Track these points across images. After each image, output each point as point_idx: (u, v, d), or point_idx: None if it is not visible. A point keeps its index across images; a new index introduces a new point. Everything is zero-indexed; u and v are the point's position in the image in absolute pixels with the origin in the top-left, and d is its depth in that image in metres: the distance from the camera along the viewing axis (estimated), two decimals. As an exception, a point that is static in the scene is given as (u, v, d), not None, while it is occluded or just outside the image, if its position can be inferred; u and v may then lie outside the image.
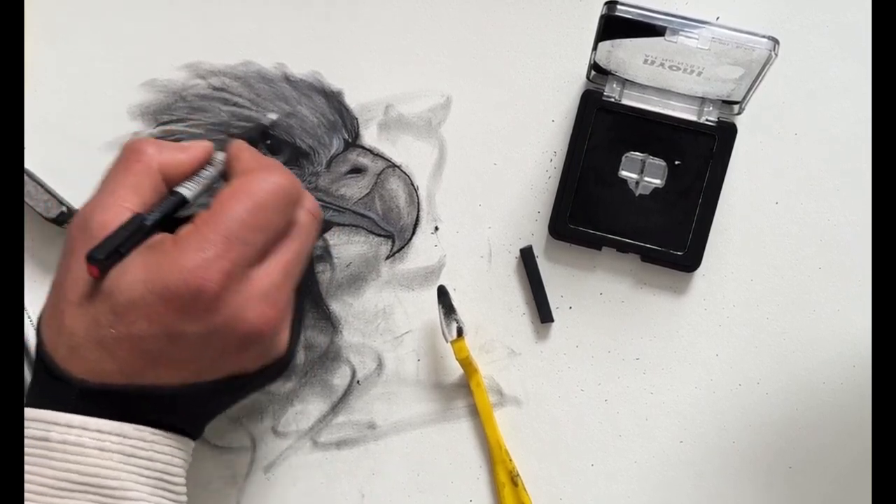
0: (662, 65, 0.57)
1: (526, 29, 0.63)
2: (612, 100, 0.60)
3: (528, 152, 0.62)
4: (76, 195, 0.62)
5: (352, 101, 0.63)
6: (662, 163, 0.60)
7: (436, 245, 0.62)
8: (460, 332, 0.59)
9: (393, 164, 0.63)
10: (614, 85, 0.60)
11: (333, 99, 0.63)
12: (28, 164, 0.62)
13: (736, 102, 0.60)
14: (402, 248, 0.63)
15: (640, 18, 0.54)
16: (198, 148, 0.53)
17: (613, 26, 0.55)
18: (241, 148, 0.53)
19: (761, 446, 0.61)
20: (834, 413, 0.61)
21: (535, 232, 0.62)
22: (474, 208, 0.62)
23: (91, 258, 0.47)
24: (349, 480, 0.62)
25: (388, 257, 0.63)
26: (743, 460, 0.61)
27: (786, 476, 0.61)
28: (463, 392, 0.62)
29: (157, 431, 0.49)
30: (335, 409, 0.62)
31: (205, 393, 0.50)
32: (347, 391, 0.62)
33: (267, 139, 0.62)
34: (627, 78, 0.60)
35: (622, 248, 0.61)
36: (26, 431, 0.46)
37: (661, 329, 0.62)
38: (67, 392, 0.47)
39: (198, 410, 0.52)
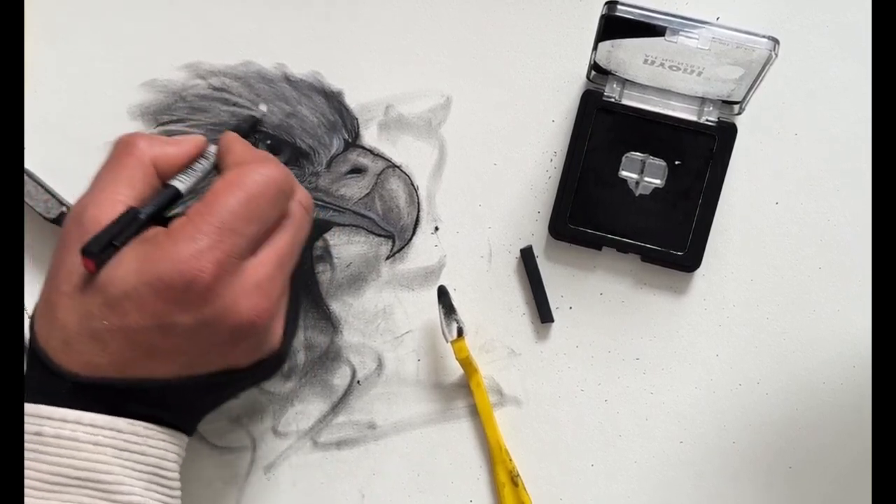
0: (662, 65, 0.57)
1: (526, 29, 0.63)
2: (613, 100, 0.60)
3: (528, 152, 0.62)
4: (76, 195, 0.62)
5: (352, 101, 0.63)
6: (662, 163, 0.60)
7: (436, 245, 0.62)
8: (460, 332, 0.59)
9: (393, 164, 0.63)
10: (614, 85, 0.60)
11: (333, 99, 0.63)
12: (28, 164, 0.62)
13: (736, 102, 0.60)
14: (403, 248, 0.63)
15: (640, 18, 0.54)
16: (190, 141, 0.53)
17: (613, 26, 0.55)
18: (233, 140, 0.54)
19: (761, 446, 0.61)
20: (834, 413, 0.61)
21: (535, 232, 0.62)
22: (474, 208, 0.62)
23: (86, 252, 0.47)
24: (349, 480, 0.62)
25: (388, 257, 0.63)
26: (743, 460, 0.61)
27: (786, 476, 0.61)
28: (463, 392, 0.62)
29: (150, 426, 0.49)
30: (335, 409, 0.62)
31: (198, 387, 0.50)
32: (347, 391, 0.62)
33: (258, 130, 0.62)
34: (627, 78, 0.60)
35: (622, 248, 0.61)
36: None
37: (661, 329, 0.62)
38: (60, 386, 0.47)
39: (191, 405, 0.52)
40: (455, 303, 0.60)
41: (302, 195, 0.53)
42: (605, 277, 0.62)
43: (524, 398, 0.62)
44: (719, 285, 0.61)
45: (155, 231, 0.49)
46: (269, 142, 0.62)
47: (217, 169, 0.53)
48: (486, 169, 0.62)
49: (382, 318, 0.62)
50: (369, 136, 0.63)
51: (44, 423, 0.47)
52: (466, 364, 0.60)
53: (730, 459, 0.61)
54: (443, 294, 0.60)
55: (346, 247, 0.63)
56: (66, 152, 0.63)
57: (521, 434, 0.61)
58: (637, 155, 0.61)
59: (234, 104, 0.63)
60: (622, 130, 0.61)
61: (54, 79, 0.63)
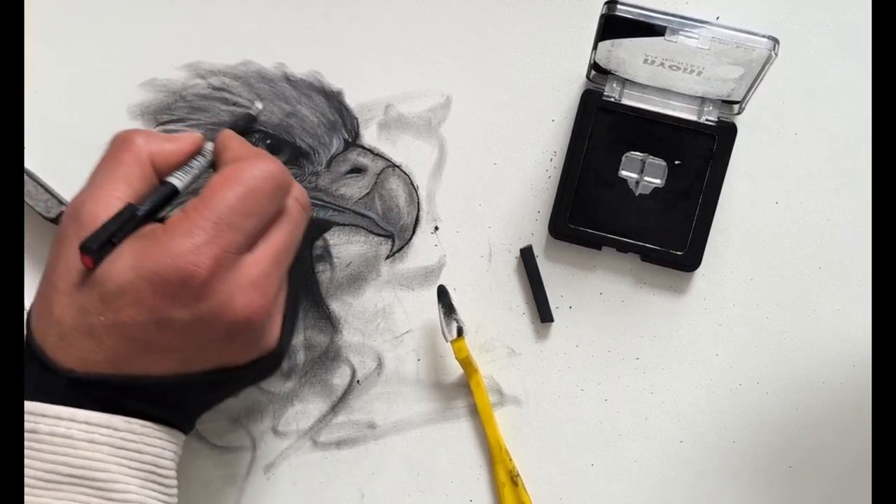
0: (662, 64, 0.57)
1: (526, 29, 0.63)
2: (612, 100, 0.60)
3: (528, 152, 0.62)
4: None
5: (352, 100, 0.63)
6: (662, 163, 0.60)
7: (436, 245, 0.62)
8: (460, 332, 0.59)
9: (393, 163, 0.63)
10: (614, 85, 0.60)
11: (333, 99, 0.63)
12: (28, 164, 0.62)
13: (736, 102, 0.60)
14: (402, 247, 0.63)
15: (640, 18, 0.54)
16: (187, 138, 0.53)
17: (613, 26, 0.55)
18: (229, 137, 0.54)
19: (761, 446, 0.61)
20: (834, 413, 0.61)
21: (535, 232, 0.62)
22: (474, 208, 0.62)
23: (84, 248, 0.47)
24: (349, 480, 0.62)
25: (388, 257, 0.63)
26: (743, 460, 0.61)
27: (786, 476, 0.61)
28: (463, 392, 0.62)
29: (146, 424, 0.49)
30: (335, 408, 0.62)
31: (195, 384, 0.50)
32: (347, 391, 0.62)
33: (255, 128, 0.62)
34: (627, 78, 0.60)
35: (622, 248, 0.61)
36: None
37: (661, 329, 0.62)
38: (56, 383, 0.47)
39: (188, 403, 0.52)
40: (455, 302, 0.60)
41: (298, 192, 0.53)
42: (604, 277, 0.62)
43: (524, 398, 0.62)
44: (719, 285, 0.61)
45: (152, 227, 0.49)
46: (269, 141, 0.62)
47: (214, 166, 0.53)
48: (486, 169, 0.62)
49: (382, 317, 0.62)
50: (369, 136, 0.63)
51: (38, 420, 0.47)
52: (466, 364, 0.60)
53: (730, 459, 0.61)
54: (443, 294, 0.60)
55: (346, 246, 0.63)
56: (66, 152, 0.63)
57: (521, 434, 0.61)
58: (637, 154, 0.61)
59: (234, 104, 0.63)
60: (622, 130, 0.61)
61: (54, 79, 0.63)
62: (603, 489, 0.61)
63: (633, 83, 0.60)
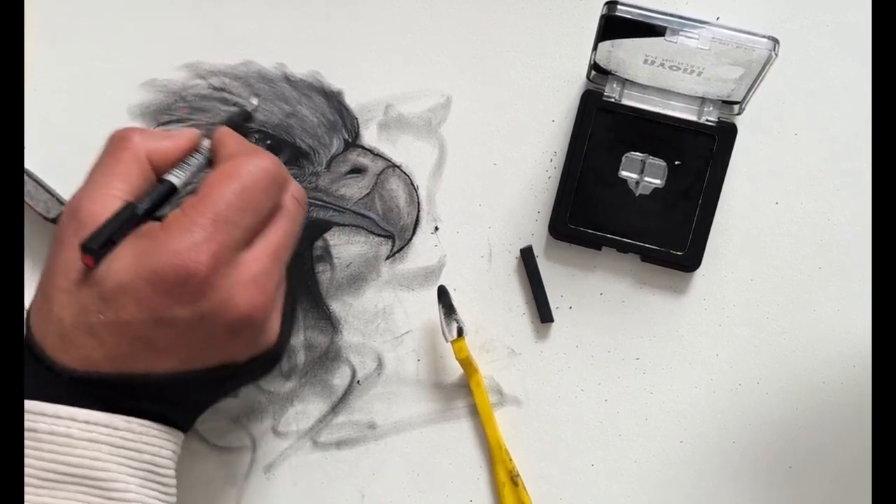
0: (662, 65, 0.57)
1: (526, 29, 0.63)
2: (613, 100, 0.60)
3: (528, 152, 0.62)
4: (76, 195, 0.62)
5: (352, 101, 0.63)
6: (662, 163, 0.60)
7: (436, 245, 0.62)
8: (460, 332, 0.59)
9: (393, 164, 0.63)
10: (614, 85, 0.60)
11: (333, 99, 0.63)
12: (28, 164, 0.62)
13: (736, 102, 0.60)
14: (403, 248, 0.63)
15: (641, 18, 0.54)
16: (184, 135, 0.53)
17: (613, 26, 0.55)
18: (226, 134, 0.53)
19: (761, 446, 0.61)
20: (834, 413, 0.61)
21: (535, 232, 0.62)
22: (474, 208, 0.62)
23: (86, 248, 0.47)
24: (349, 480, 0.62)
25: (388, 257, 0.63)
26: (743, 460, 0.61)
27: (786, 476, 0.61)
28: (463, 392, 0.62)
29: (145, 422, 0.49)
30: (335, 409, 0.62)
31: (195, 382, 0.50)
32: (347, 391, 0.62)
33: (251, 124, 0.62)
34: (627, 78, 0.60)
35: (622, 248, 0.61)
36: None
37: (661, 329, 0.62)
38: (55, 382, 0.47)
39: (188, 401, 0.52)
40: (455, 303, 0.60)
41: (295, 189, 0.53)
42: (604, 277, 0.62)
43: (524, 398, 0.62)
44: (719, 285, 0.61)
45: (150, 225, 0.49)
46: (269, 142, 0.62)
47: (210, 163, 0.53)
48: (486, 169, 0.62)
49: (382, 317, 0.62)
50: (369, 136, 0.63)
51: (38, 419, 0.46)
52: (466, 364, 0.60)
53: (730, 459, 0.61)
54: (443, 294, 0.60)
55: (346, 247, 0.63)
56: (66, 152, 0.63)
57: (521, 434, 0.61)
58: (637, 155, 0.61)
59: (234, 104, 0.63)
60: (622, 130, 0.61)
61: (54, 79, 0.63)
62: (603, 489, 0.61)
63: (633, 83, 0.60)
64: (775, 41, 0.54)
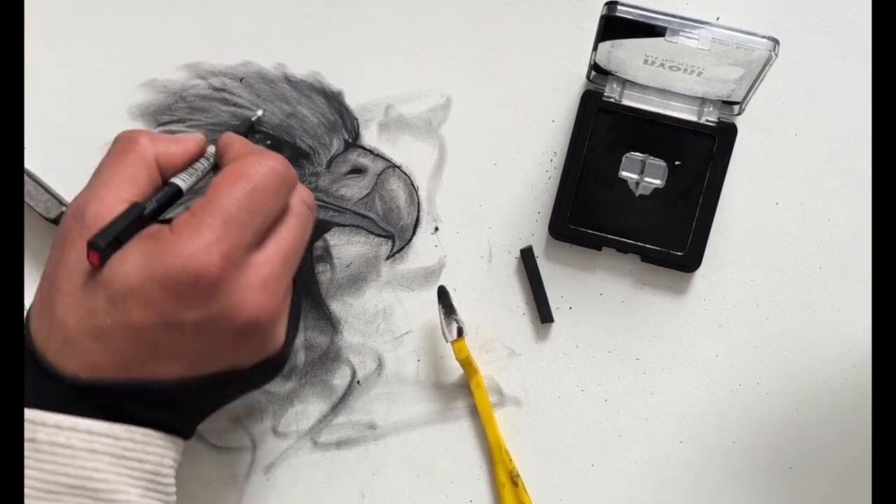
0: (663, 65, 0.57)
1: (526, 29, 0.63)
2: (613, 100, 0.60)
3: (528, 152, 0.62)
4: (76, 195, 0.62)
5: (352, 101, 0.63)
6: (662, 163, 0.60)
7: (436, 245, 0.62)
8: (460, 333, 0.59)
9: (393, 164, 0.63)
10: (614, 85, 0.60)
11: (333, 99, 0.63)
12: (28, 164, 0.62)
13: (736, 103, 0.60)
14: (403, 248, 0.63)
15: (641, 19, 0.54)
16: (191, 139, 0.53)
17: (614, 27, 0.55)
18: (231, 137, 0.53)
19: (761, 446, 0.61)
20: (834, 413, 0.61)
21: (535, 232, 0.62)
22: (474, 208, 0.62)
23: (93, 245, 0.46)
24: (349, 480, 0.62)
25: (388, 257, 0.63)
26: (743, 460, 0.61)
27: (786, 476, 0.61)
28: (463, 392, 0.62)
29: (147, 432, 0.48)
30: (335, 409, 0.62)
31: (200, 388, 0.49)
32: (347, 391, 0.62)
33: (256, 132, 0.62)
34: (627, 78, 0.60)
35: (622, 249, 0.61)
36: None
37: (662, 329, 0.62)
38: (57, 389, 0.46)
39: (191, 408, 0.51)
40: (455, 303, 0.60)
41: (305, 193, 0.52)
42: (605, 278, 0.62)
43: (524, 398, 0.62)
44: (719, 285, 0.61)
45: (158, 227, 0.48)
46: (268, 142, 0.62)
47: (216, 168, 0.53)
48: (486, 169, 0.62)
49: (382, 318, 0.62)
50: (369, 137, 0.63)
51: (37, 429, 0.46)
52: (466, 364, 0.60)
53: (730, 459, 0.61)
54: (443, 294, 0.60)
55: (346, 247, 0.63)
56: (66, 152, 0.63)
57: (521, 434, 0.61)
58: (637, 155, 0.61)
59: (234, 104, 0.63)
60: (622, 131, 0.61)
61: (54, 79, 0.63)
62: (603, 490, 0.61)
63: (633, 84, 0.60)
64: (775, 41, 0.54)
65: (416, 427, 0.62)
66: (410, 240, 0.62)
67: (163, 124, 0.63)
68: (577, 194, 0.61)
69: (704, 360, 0.61)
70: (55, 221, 0.60)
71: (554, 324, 0.62)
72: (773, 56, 0.54)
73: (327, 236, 0.62)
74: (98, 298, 0.46)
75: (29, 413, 0.46)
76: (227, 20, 0.63)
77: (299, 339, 0.62)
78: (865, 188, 0.61)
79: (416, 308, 0.62)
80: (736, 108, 0.60)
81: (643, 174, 0.61)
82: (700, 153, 0.60)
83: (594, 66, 0.60)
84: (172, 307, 0.46)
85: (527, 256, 0.62)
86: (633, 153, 0.61)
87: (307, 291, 0.62)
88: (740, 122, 0.60)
